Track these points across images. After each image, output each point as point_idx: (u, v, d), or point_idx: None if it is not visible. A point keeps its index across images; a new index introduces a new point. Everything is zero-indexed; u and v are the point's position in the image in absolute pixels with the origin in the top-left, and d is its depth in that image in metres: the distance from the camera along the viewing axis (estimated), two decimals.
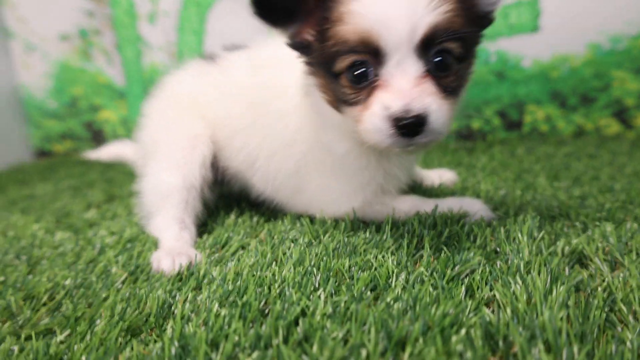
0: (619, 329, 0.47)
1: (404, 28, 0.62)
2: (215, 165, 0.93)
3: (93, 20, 1.99)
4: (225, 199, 1.04)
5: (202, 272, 0.67)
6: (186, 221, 0.85)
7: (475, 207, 0.82)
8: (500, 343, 0.44)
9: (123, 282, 0.67)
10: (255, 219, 0.92)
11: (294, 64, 0.77)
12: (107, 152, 1.40)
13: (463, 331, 0.46)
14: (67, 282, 0.66)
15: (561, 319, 0.45)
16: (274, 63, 0.88)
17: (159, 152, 0.92)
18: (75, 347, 0.51)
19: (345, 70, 0.66)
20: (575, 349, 0.41)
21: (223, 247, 0.78)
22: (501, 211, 0.85)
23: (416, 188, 1.04)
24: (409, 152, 0.72)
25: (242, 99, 0.89)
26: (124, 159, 1.36)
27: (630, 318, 0.48)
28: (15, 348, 0.52)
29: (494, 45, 1.61)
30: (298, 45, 0.72)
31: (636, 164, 1.16)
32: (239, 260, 0.70)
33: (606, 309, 0.50)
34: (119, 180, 1.48)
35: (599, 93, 1.58)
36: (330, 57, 0.67)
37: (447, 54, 0.65)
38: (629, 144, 1.44)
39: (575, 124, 1.62)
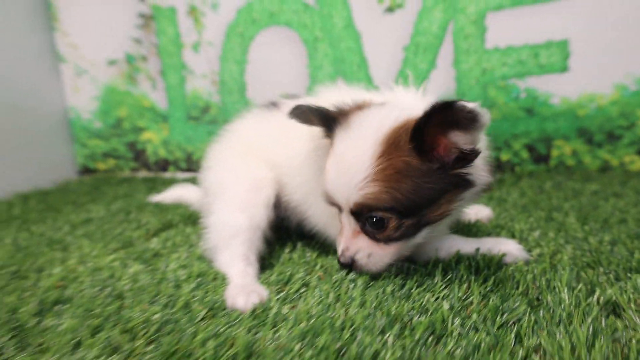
0: None
1: (341, 200, 0.81)
2: (277, 204, 1.03)
3: (140, 47, 2.11)
4: (279, 231, 1.12)
5: (273, 311, 0.76)
6: (250, 258, 0.94)
7: (512, 248, 0.91)
8: None
9: (203, 319, 0.76)
10: (308, 254, 1.01)
11: None
12: (171, 195, 1.49)
13: None
14: (155, 316, 0.76)
15: None
16: None
17: (227, 193, 1.01)
18: None
19: None
20: None
21: (286, 284, 0.87)
22: (536, 252, 0.94)
23: (453, 224, 1.13)
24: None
25: (305, 140, 0.98)
26: (186, 202, 1.45)
27: None
28: None
29: (524, 83, 1.69)
30: None
31: None
32: (304, 299, 0.79)
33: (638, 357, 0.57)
34: (165, 204, 1.58)
35: (625, 131, 1.64)
36: None
37: (380, 217, 0.78)
38: None
39: (601, 159, 1.69)
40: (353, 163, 0.77)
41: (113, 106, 2.21)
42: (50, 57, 2.19)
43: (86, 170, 2.35)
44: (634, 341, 0.61)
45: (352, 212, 0.80)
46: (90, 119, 2.25)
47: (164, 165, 2.23)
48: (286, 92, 1.91)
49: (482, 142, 0.81)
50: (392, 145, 0.75)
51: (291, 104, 1.07)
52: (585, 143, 1.70)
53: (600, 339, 0.60)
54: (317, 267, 0.94)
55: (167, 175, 2.22)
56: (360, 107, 0.86)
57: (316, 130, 0.95)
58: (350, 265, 0.84)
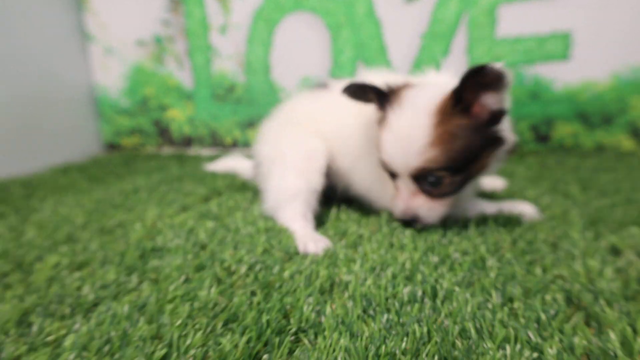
0: None
1: (400, 167, 0.97)
2: (327, 171, 1.19)
3: (168, 29, 2.23)
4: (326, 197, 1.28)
5: (341, 255, 0.92)
6: (308, 216, 1.11)
7: (528, 209, 1.09)
8: (575, 301, 0.70)
9: (284, 260, 0.93)
10: (354, 215, 1.18)
11: None
12: (224, 164, 1.60)
13: (549, 295, 0.72)
14: (245, 258, 0.92)
15: (614, 288, 0.71)
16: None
17: (285, 161, 1.16)
18: (287, 303, 0.76)
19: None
20: (623, 303, 0.67)
21: (343, 236, 1.04)
22: (548, 214, 1.12)
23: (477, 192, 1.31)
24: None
25: (355, 113, 1.14)
26: (237, 172, 1.57)
27: None
28: (222, 299, 0.76)
29: (530, 70, 1.86)
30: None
31: None
32: (362, 246, 0.96)
33: (637, 283, 0.75)
34: (201, 175, 1.73)
35: (619, 115, 1.83)
36: None
37: (437, 176, 0.95)
38: None
39: (596, 140, 1.88)
40: (411, 133, 0.93)
41: (140, 85, 2.34)
42: (79, 36, 2.30)
43: (111, 146, 2.48)
44: (632, 271, 0.80)
45: (412, 176, 0.96)
46: (117, 97, 2.38)
47: (188, 141, 2.37)
48: (309, 75, 2.06)
49: (507, 103, 0.94)
50: (442, 114, 0.91)
51: (340, 83, 1.24)
52: (582, 125, 1.88)
53: (607, 268, 0.78)
54: (365, 224, 1.10)
55: (192, 151, 2.36)
56: (406, 86, 1.02)
57: (364, 106, 1.11)
58: (411, 222, 1.01)
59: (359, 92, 1.03)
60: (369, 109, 1.12)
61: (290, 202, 1.12)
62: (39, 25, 2.10)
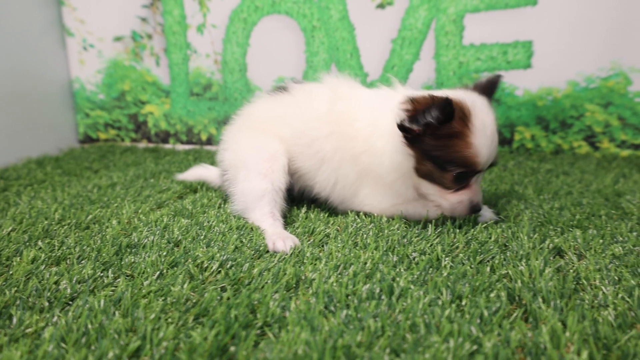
0: (581, 293, 0.81)
1: (485, 164, 1.07)
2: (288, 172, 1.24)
3: (146, 26, 2.25)
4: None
5: (307, 253, 0.98)
6: (276, 215, 1.17)
7: (485, 211, 1.17)
8: (517, 299, 0.78)
9: (253, 258, 0.98)
10: (321, 214, 1.24)
11: (361, 102, 1.17)
12: (193, 173, 1.61)
13: (494, 293, 0.79)
14: (217, 255, 0.97)
15: (550, 287, 0.79)
16: (348, 98, 1.21)
17: (248, 164, 1.21)
18: (254, 299, 0.82)
19: (453, 172, 1.06)
20: (558, 301, 0.75)
21: (311, 234, 1.10)
22: (503, 214, 1.20)
23: None
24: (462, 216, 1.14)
25: (320, 117, 1.20)
26: (206, 180, 1.58)
27: (589, 288, 0.82)
28: (194, 295, 0.82)
29: None
30: (406, 129, 1.04)
31: (599, 183, 1.51)
32: (328, 245, 1.02)
33: (575, 282, 0.84)
34: (176, 171, 1.76)
35: (575, 120, 1.94)
36: (446, 160, 1.05)
37: None
38: (595, 163, 1.80)
39: (554, 143, 1.99)
40: (495, 135, 1.07)
41: (117, 80, 2.36)
42: (57, 31, 2.30)
43: (87, 139, 2.48)
44: (571, 271, 0.88)
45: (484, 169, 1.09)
46: (94, 91, 2.39)
47: (164, 137, 2.40)
48: (284, 75, 2.11)
49: None
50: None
51: (299, 87, 1.30)
52: (542, 129, 1.98)
53: (548, 269, 0.86)
54: (332, 223, 1.17)
55: (168, 146, 2.39)
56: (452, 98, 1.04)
57: (331, 111, 1.17)
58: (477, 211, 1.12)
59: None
60: (335, 115, 1.18)
61: (257, 203, 1.17)
62: (17, 19, 2.10)
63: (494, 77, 1.19)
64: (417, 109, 1.01)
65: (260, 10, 2.08)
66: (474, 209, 1.10)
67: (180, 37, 2.22)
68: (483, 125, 1.04)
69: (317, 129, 1.20)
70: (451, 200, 1.09)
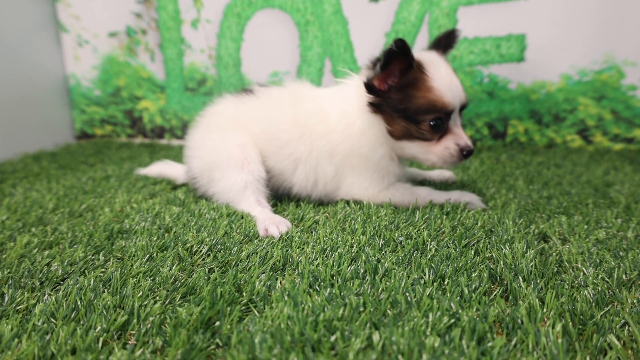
0: (563, 275, 0.82)
1: (459, 101, 1.10)
2: None
3: (140, 21, 2.27)
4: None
5: (296, 238, 1.00)
6: (263, 202, 1.18)
7: (473, 199, 1.18)
8: (498, 278, 0.79)
9: (243, 242, 1.00)
10: (311, 204, 1.25)
11: (327, 98, 1.22)
12: (155, 169, 1.59)
13: (476, 273, 0.80)
14: (207, 240, 0.99)
15: (531, 267, 0.81)
16: (312, 98, 1.24)
17: (220, 163, 1.21)
18: (241, 279, 0.83)
19: (427, 120, 1.08)
20: (539, 280, 0.77)
21: (300, 221, 1.12)
22: (491, 204, 1.21)
23: (425, 183, 1.40)
24: (457, 166, 1.18)
25: (290, 120, 1.22)
26: (168, 177, 1.56)
27: (570, 270, 0.83)
28: (182, 275, 0.83)
29: (487, 70, 1.96)
30: (371, 87, 1.06)
31: (590, 175, 1.53)
32: (317, 231, 1.03)
33: (557, 265, 0.85)
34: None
35: (568, 114, 1.95)
36: (415, 110, 1.08)
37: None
38: (587, 156, 1.82)
39: (547, 137, 2.00)
40: (455, 77, 1.12)
41: (112, 75, 2.37)
42: (52, 27, 2.32)
43: (83, 135, 2.50)
44: (554, 254, 0.89)
45: (460, 109, 1.12)
46: (90, 87, 2.40)
47: (160, 132, 2.41)
48: (279, 70, 2.12)
49: None
50: None
51: (265, 90, 1.30)
52: (535, 123, 2.00)
53: (530, 251, 0.87)
54: (322, 211, 1.18)
55: (164, 141, 2.40)
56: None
57: (298, 114, 1.21)
58: (470, 154, 1.12)
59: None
60: (304, 117, 1.20)
61: (241, 195, 1.18)
62: (12, 16, 2.12)
63: (446, 32, 1.23)
64: (375, 59, 1.10)
65: (254, 5, 2.10)
66: (465, 151, 1.11)
67: (174, 32, 2.23)
68: (437, 70, 1.09)
69: (288, 131, 1.22)
70: (438, 151, 1.12)
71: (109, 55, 2.34)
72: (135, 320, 0.68)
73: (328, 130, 1.19)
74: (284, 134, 1.22)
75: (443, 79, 1.08)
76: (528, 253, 0.86)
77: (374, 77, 1.10)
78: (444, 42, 1.21)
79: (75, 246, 0.97)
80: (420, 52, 1.16)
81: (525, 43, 1.90)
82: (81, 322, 0.68)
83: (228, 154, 1.22)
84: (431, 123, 1.09)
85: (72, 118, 2.46)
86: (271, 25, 2.11)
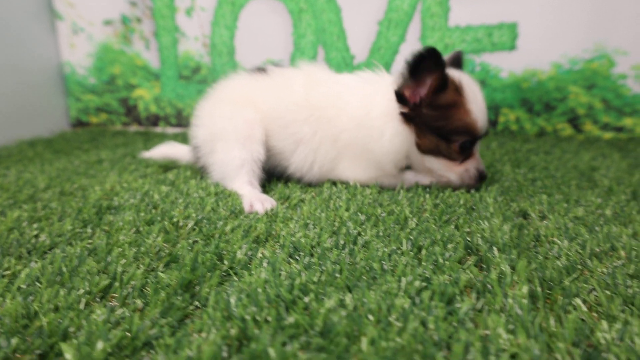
0: (539, 248, 0.84)
1: (485, 128, 1.15)
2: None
3: (135, 10, 2.28)
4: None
5: (281, 214, 1.02)
6: (254, 184, 1.20)
7: (454, 178, 1.20)
8: (474, 249, 0.81)
9: (229, 218, 1.02)
10: (299, 184, 1.27)
11: (346, 85, 1.22)
12: (160, 151, 1.59)
13: (452, 244, 0.82)
14: (193, 215, 1.01)
15: (506, 239, 0.83)
16: (331, 83, 1.25)
17: (225, 135, 1.22)
18: (223, 249, 0.85)
19: (458, 142, 1.12)
20: (513, 252, 0.79)
21: (286, 200, 1.14)
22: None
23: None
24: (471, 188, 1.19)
25: (299, 101, 1.23)
26: (174, 158, 1.57)
27: (546, 243, 0.85)
28: (166, 245, 0.85)
29: (479, 58, 1.98)
30: (402, 98, 1.11)
31: (577, 161, 1.55)
32: (302, 208, 1.05)
33: (534, 239, 0.87)
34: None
35: (559, 102, 1.97)
36: (450, 130, 1.11)
37: None
38: (577, 145, 1.83)
39: (538, 125, 2.02)
40: (484, 102, 1.15)
41: (107, 63, 2.39)
42: (47, 14, 2.33)
43: (79, 123, 2.52)
44: (531, 229, 0.91)
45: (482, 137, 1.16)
46: (85, 75, 2.42)
47: (154, 120, 2.43)
48: (273, 58, 2.14)
49: None
50: None
51: (279, 70, 1.32)
52: (526, 111, 2.01)
53: (507, 225, 0.89)
54: (308, 191, 1.20)
55: (158, 129, 2.42)
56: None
57: (310, 95, 1.21)
58: (483, 179, 1.17)
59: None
60: (314, 99, 1.21)
61: (237, 173, 1.20)
62: (8, 3, 2.13)
63: (455, 53, 1.27)
64: (409, 65, 1.08)
65: None
66: (482, 176, 1.16)
67: (169, 20, 2.25)
68: (474, 93, 1.12)
69: (294, 112, 1.23)
70: (458, 171, 1.16)
71: (104, 43, 2.35)
72: (117, 284, 0.70)
73: (339, 116, 1.19)
74: (290, 114, 1.23)
75: (479, 104, 1.12)
76: (504, 227, 0.88)
77: (404, 85, 1.10)
78: (456, 64, 1.25)
79: (64, 220, 0.99)
80: (451, 70, 1.15)
81: (517, 31, 1.92)
82: (65, 285, 0.70)
83: (234, 127, 1.23)
84: (460, 144, 1.13)
85: (68, 106, 2.48)
86: (265, 13, 2.12)
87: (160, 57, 2.32)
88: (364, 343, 0.53)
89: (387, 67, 2.04)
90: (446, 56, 1.22)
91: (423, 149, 1.15)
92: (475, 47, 1.96)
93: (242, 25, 2.17)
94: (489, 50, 1.96)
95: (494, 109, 2.04)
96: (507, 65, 1.96)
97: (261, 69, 1.35)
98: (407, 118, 1.13)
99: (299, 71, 1.30)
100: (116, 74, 2.39)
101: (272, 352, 0.51)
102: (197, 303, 0.66)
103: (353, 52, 2.07)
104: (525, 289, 0.64)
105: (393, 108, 1.14)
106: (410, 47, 2.01)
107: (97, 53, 2.38)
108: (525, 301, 0.61)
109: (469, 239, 0.84)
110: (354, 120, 1.18)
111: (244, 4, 2.14)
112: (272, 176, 1.32)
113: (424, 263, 0.75)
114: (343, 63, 2.09)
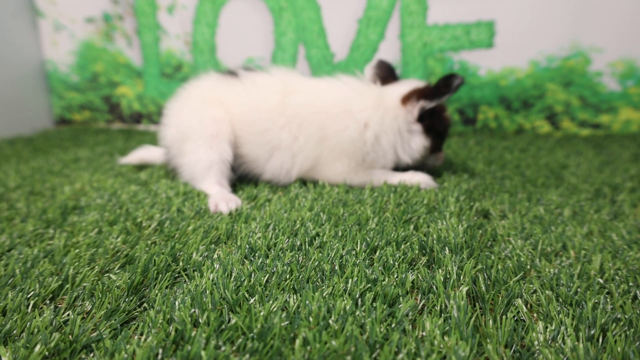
0: (493, 248, 0.85)
1: None
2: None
3: (117, 7, 2.28)
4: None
5: (245, 214, 1.03)
6: (224, 184, 1.20)
7: (424, 179, 1.21)
8: (427, 249, 0.82)
9: (193, 218, 1.03)
10: (269, 184, 1.28)
11: (320, 92, 1.24)
12: (136, 156, 1.56)
13: (407, 245, 0.83)
14: (155, 216, 1.01)
15: (460, 240, 0.84)
16: (305, 89, 1.25)
17: (193, 135, 1.22)
18: (180, 251, 0.86)
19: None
20: (465, 252, 0.80)
21: (254, 199, 1.14)
22: (446, 184, 1.24)
23: None
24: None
25: (273, 109, 1.22)
26: (150, 162, 1.56)
27: (502, 243, 0.86)
28: (125, 247, 0.86)
29: (457, 56, 1.98)
30: (423, 117, 1.23)
31: (550, 158, 1.56)
32: (267, 207, 1.06)
33: (491, 239, 0.88)
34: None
35: (536, 100, 1.98)
36: (445, 130, 1.30)
37: None
38: (554, 142, 1.85)
39: (517, 123, 2.03)
40: None
41: (90, 61, 2.38)
42: (29, 11, 2.32)
43: (62, 121, 2.51)
44: (489, 229, 0.92)
45: None
46: (68, 73, 2.41)
47: (137, 118, 2.43)
48: (253, 56, 2.14)
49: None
50: None
51: (250, 75, 1.32)
52: (505, 109, 2.02)
53: (462, 226, 0.90)
54: (276, 190, 1.21)
55: (141, 127, 2.42)
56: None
57: (281, 102, 1.22)
58: None
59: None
60: (292, 107, 1.21)
61: (205, 174, 1.20)
62: None
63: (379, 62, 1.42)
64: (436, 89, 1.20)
65: None
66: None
67: (151, 18, 2.24)
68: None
69: (270, 120, 1.22)
70: (441, 157, 1.35)
71: (86, 41, 2.35)
72: (68, 286, 0.70)
73: (323, 120, 1.20)
74: (265, 122, 1.22)
75: None
76: (460, 227, 0.89)
77: (428, 105, 1.22)
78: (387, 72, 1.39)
79: (27, 220, 0.99)
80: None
81: (495, 29, 1.92)
82: (17, 288, 0.70)
83: (202, 125, 1.22)
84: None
85: (51, 104, 2.48)
86: (246, 12, 2.12)
87: (143, 54, 2.32)
88: (297, 345, 0.54)
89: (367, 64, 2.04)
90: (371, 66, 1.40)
91: (432, 149, 1.29)
92: (453, 45, 1.97)
93: (223, 23, 2.17)
94: (467, 48, 1.97)
95: (472, 106, 2.05)
96: (486, 63, 1.97)
97: (232, 72, 1.34)
98: (427, 129, 1.26)
99: (272, 77, 1.29)
100: (99, 72, 2.39)
101: (204, 355, 0.52)
102: (145, 305, 0.67)
103: (333, 49, 2.07)
104: (465, 290, 0.65)
105: (399, 121, 1.24)
106: (390, 44, 2.02)
107: (80, 51, 2.37)
108: (463, 302, 0.62)
109: (424, 239, 0.85)
110: (343, 123, 1.20)
111: (224, 2, 2.14)
112: (243, 180, 1.33)
113: (375, 264, 0.76)
114: (324, 61, 2.09)
